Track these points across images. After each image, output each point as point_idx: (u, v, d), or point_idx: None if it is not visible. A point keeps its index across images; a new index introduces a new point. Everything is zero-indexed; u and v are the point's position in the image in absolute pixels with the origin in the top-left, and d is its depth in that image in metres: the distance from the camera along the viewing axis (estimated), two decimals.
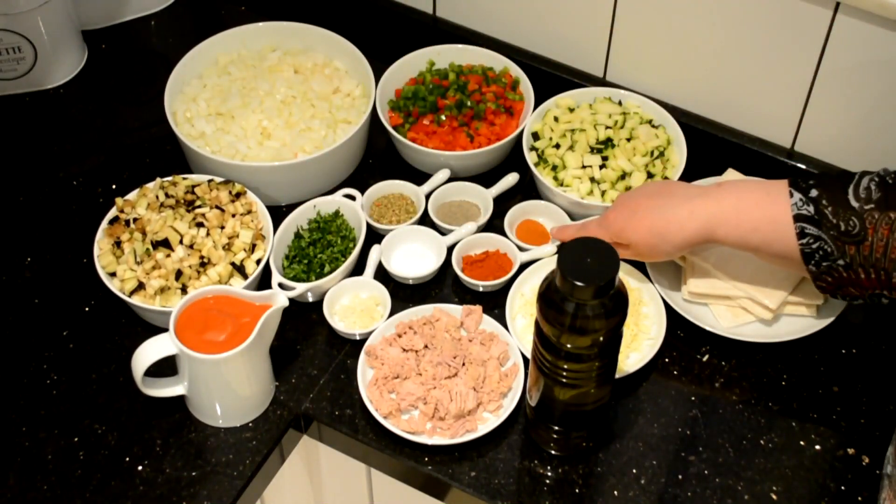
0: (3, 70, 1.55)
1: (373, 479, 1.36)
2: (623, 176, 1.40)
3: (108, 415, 1.23)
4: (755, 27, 1.35)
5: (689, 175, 1.39)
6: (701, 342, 1.30)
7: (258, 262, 1.31)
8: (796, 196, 1.12)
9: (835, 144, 1.40)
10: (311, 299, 1.33)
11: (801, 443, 1.22)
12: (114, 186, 1.45)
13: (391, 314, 1.30)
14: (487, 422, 1.22)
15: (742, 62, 1.39)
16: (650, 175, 1.40)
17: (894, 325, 1.32)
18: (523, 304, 1.32)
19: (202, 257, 1.29)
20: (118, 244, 1.30)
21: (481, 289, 1.34)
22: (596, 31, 1.47)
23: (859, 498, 1.18)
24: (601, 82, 1.52)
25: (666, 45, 1.44)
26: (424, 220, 1.41)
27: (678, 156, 1.42)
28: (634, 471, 1.20)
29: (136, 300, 1.26)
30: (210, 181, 1.37)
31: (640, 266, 1.33)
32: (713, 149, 1.45)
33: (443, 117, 1.46)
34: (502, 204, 1.41)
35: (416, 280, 1.35)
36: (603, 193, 1.39)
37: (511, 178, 1.44)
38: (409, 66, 1.53)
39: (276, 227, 1.35)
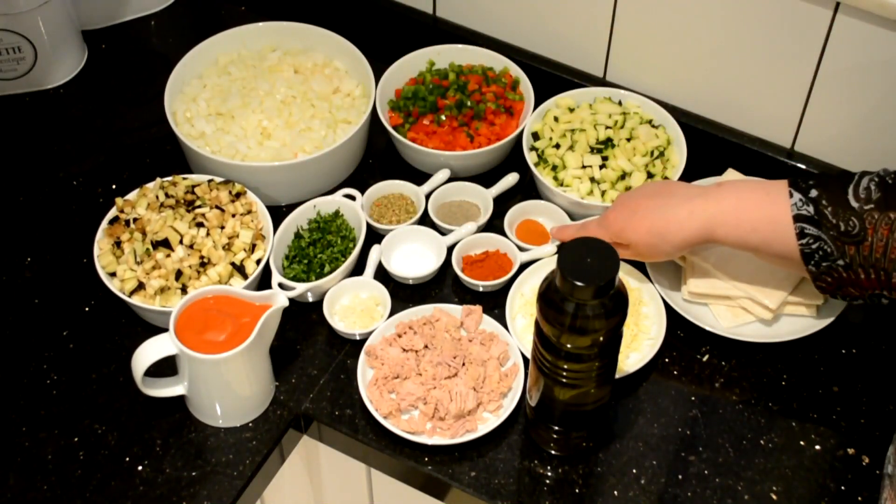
0: (3, 70, 1.55)
1: (373, 479, 1.36)
2: (623, 176, 1.40)
3: (108, 415, 1.23)
4: (755, 27, 1.35)
5: (689, 175, 1.39)
6: (701, 342, 1.30)
7: (258, 262, 1.31)
8: (796, 196, 1.12)
9: (835, 144, 1.40)
10: (311, 299, 1.33)
11: (801, 443, 1.22)
12: (114, 186, 1.45)
13: (391, 314, 1.30)
14: (487, 422, 1.22)
15: (742, 62, 1.39)
16: (650, 175, 1.40)
17: (894, 325, 1.32)
18: (523, 304, 1.32)
19: (202, 257, 1.29)
20: (118, 244, 1.30)
21: (481, 289, 1.34)
22: (596, 31, 1.47)
23: (859, 498, 1.18)
24: (601, 82, 1.52)
25: (666, 45, 1.44)
26: (424, 220, 1.41)
27: (678, 156, 1.42)
28: (634, 471, 1.20)
29: (136, 300, 1.26)
30: (210, 181, 1.37)
31: (640, 266, 1.33)
32: (713, 149, 1.45)
33: (443, 117, 1.46)
34: (502, 204, 1.41)
35: (416, 280, 1.35)
36: (603, 193, 1.39)
37: (511, 178, 1.44)
38: (409, 66, 1.53)
39: (276, 227, 1.35)
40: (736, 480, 1.19)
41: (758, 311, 1.28)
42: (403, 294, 1.35)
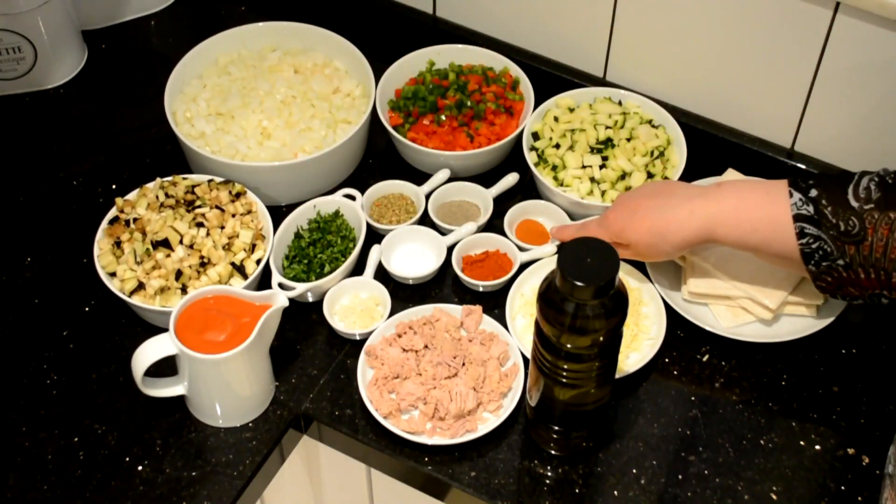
0: (3, 70, 1.55)
1: (373, 479, 1.36)
2: (623, 176, 1.40)
3: (108, 415, 1.23)
4: (755, 27, 1.35)
5: (689, 175, 1.39)
6: (701, 342, 1.30)
7: (258, 262, 1.31)
8: (796, 196, 1.12)
9: (835, 144, 1.40)
10: (311, 299, 1.33)
11: (801, 443, 1.22)
12: (114, 186, 1.45)
13: (391, 314, 1.30)
14: (487, 422, 1.21)
15: (742, 62, 1.39)
16: (650, 175, 1.40)
17: (894, 325, 1.32)
18: (523, 304, 1.32)
19: (202, 257, 1.29)
20: (118, 244, 1.30)
21: (481, 289, 1.34)
22: (596, 31, 1.47)
23: (859, 498, 1.18)
24: (601, 82, 1.52)
25: (666, 45, 1.44)
26: (424, 220, 1.41)
27: (678, 156, 1.42)
28: (634, 471, 1.20)
29: (136, 300, 1.26)
30: (210, 181, 1.37)
31: (640, 266, 1.33)
32: (713, 149, 1.45)
33: (443, 117, 1.46)
34: (502, 204, 1.41)
35: (416, 280, 1.35)
36: (603, 193, 1.39)
37: (511, 178, 1.44)
38: (409, 66, 1.53)
39: (276, 227, 1.35)
40: (736, 480, 1.19)
41: (758, 311, 1.28)
42: (403, 294, 1.35)
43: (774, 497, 1.18)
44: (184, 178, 1.37)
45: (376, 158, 1.50)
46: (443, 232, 1.38)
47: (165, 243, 1.29)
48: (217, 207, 1.33)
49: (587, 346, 1.07)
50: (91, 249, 1.32)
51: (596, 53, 1.50)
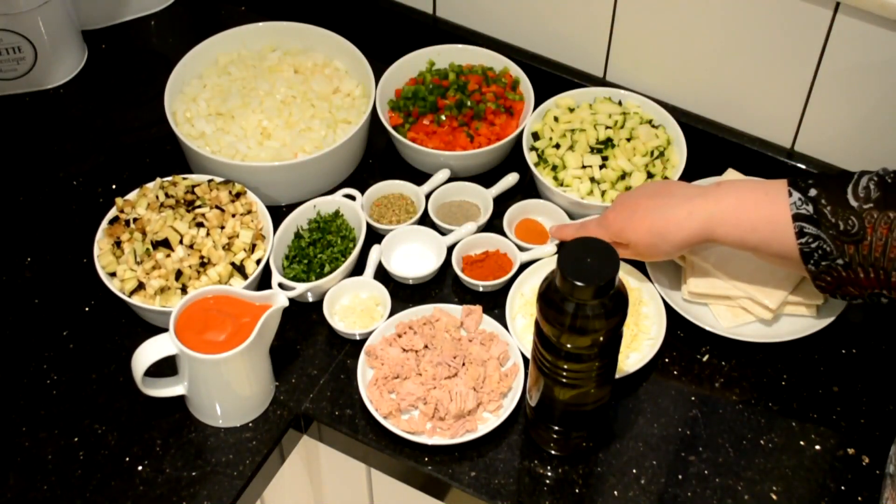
0: (3, 70, 1.55)
1: (373, 479, 1.36)
2: (623, 176, 1.40)
3: (108, 415, 1.23)
4: (755, 27, 1.35)
5: (689, 175, 1.39)
6: (701, 342, 1.30)
7: (258, 262, 1.31)
8: (795, 195, 1.12)
9: (835, 144, 1.40)
10: (311, 299, 1.33)
11: (801, 443, 1.22)
12: (114, 186, 1.45)
13: (391, 314, 1.30)
14: (487, 422, 1.21)
15: (742, 62, 1.39)
16: (650, 175, 1.40)
17: (894, 325, 1.32)
18: (523, 304, 1.32)
19: (202, 257, 1.29)
20: (118, 244, 1.30)
21: (481, 289, 1.34)
22: (596, 31, 1.47)
23: (859, 498, 1.18)
24: (601, 82, 1.52)
25: (666, 45, 1.44)
26: (424, 220, 1.41)
27: (678, 156, 1.42)
28: (634, 471, 1.20)
29: (136, 300, 1.26)
30: (210, 181, 1.37)
31: (640, 266, 1.33)
32: (713, 149, 1.45)
33: (443, 117, 1.46)
34: (502, 204, 1.41)
35: (416, 280, 1.35)
36: (603, 193, 1.39)
37: (511, 178, 1.44)
38: (409, 66, 1.53)
39: (276, 227, 1.35)
40: (736, 480, 1.19)
41: (758, 311, 1.28)
42: (403, 294, 1.35)
43: (774, 497, 1.18)
44: (184, 178, 1.37)
45: (376, 158, 1.50)
46: (443, 232, 1.38)
47: (165, 243, 1.29)
48: (217, 207, 1.33)
49: (587, 346, 1.07)
50: (91, 249, 1.32)
51: (596, 53, 1.50)
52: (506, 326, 1.28)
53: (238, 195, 1.36)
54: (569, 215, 1.39)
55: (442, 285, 1.36)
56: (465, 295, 1.35)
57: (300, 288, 1.30)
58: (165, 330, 1.17)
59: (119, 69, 1.62)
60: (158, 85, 1.47)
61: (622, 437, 1.22)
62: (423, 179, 1.43)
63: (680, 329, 1.31)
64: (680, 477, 1.19)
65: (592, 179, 1.40)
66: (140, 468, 1.19)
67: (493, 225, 1.40)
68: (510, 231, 1.38)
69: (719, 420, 1.24)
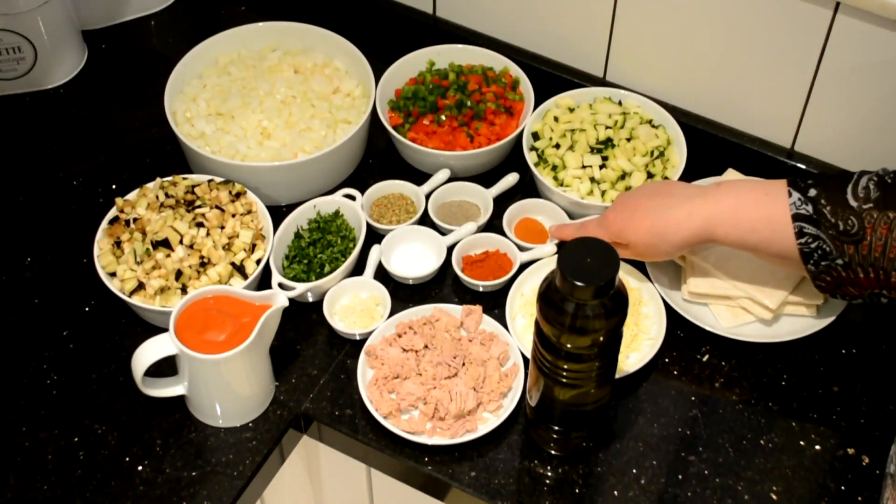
0: (3, 70, 1.55)
1: (373, 479, 1.36)
2: (623, 176, 1.40)
3: (108, 415, 1.23)
4: (755, 27, 1.35)
5: (689, 175, 1.39)
6: (701, 342, 1.30)
7: (258, 262, 1.31)
8: (795, 195, 1.12)
9: (835, 144, 1.40)
10: (311, 299, 1.33)
11: (801, 443, 1.22)
12: (114, 186, 1.45)
13: (391, 314, 1.30)
14: (487, 422, 1.21)
15: (742, 62, 1.39)
16: (650, 175, 1.40)
17: (894, 325, 1.32)
18: (523, 304, 1.32)
19: (202, 257, 1.29)
20: (118, 244, 1.30)
21: (481, 289, 1.34)
22: (596, 31, 1.47)
23: (859, 498, 1.18)
24: (601, 82, 1.52)
25: (666, 45, 1.44)
26: (424, 220, 1.41)
27: (678, 156, 1.42)
28: (634, 471, 1.20)
29: (136, 300, 1.26)
30: (210, 181, 1.37)
31: (640, 266, 1.33)
32: (713, 149, 1.45)
33: (443, 117, 1.46)
34: (502, 204, 1.41)
35: (416, 280, 1.35)
36: (603, 193, 1.39)
37: (511, 178, 1.44)
38: (409, 66, 1.53)
39: (276, 227, 1.35)
40: (736, 480, 1.19)
41: (758, 311, 1.28)
42: (403, 294, 1.35)
43: (774, 497, 1.18)
44: (184, 178, 1.37)
45: (376, 158, 1.50)
46: (443, 232, 1.38)
47: (165, 243, 1.29)
48: (217, 207, 1.33)
49: (587, 346, 1.07)
50: (91, 249, 1.32)
51: (596, 53, 1.50)
52: (506, 326, 1.28)
53: (238, 195, 1.36)
54: (569, 215, 1.39)
55: (442, 285, 1.36)
56: (465, 295, 1.35)
57: (300, 288, 1.30)
58: (165, 330, 1.17)
59: (119, 69, 1.62)
60: (158, 85, 1.47)
61: (622, 437, 1.22)
62: (423, 179, 1.43)
63: (680, 329, 1.31)
64: (680, 477, 1.19)
65: (592, 179, 1.40)
66: (140, 468, 1.19)
67: (493, 225, 1.40)
68: (510, 230, 1.38)
69: (719, 420, 1.24)
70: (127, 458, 1.20)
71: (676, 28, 1.41)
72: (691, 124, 1.45)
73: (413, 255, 1.37)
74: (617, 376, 1.18)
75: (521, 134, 1.45)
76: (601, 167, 1.40)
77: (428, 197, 1.42)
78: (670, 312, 1.30)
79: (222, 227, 1.32)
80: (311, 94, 1.48)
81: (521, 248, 1.36)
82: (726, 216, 1.16)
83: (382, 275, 1.35)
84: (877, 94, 1.33)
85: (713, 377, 1.28)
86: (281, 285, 1.30)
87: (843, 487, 1.19)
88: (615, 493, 1.18)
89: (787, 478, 1.19)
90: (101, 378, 1.27)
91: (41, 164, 1.49)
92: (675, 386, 1.27)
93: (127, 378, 1.23)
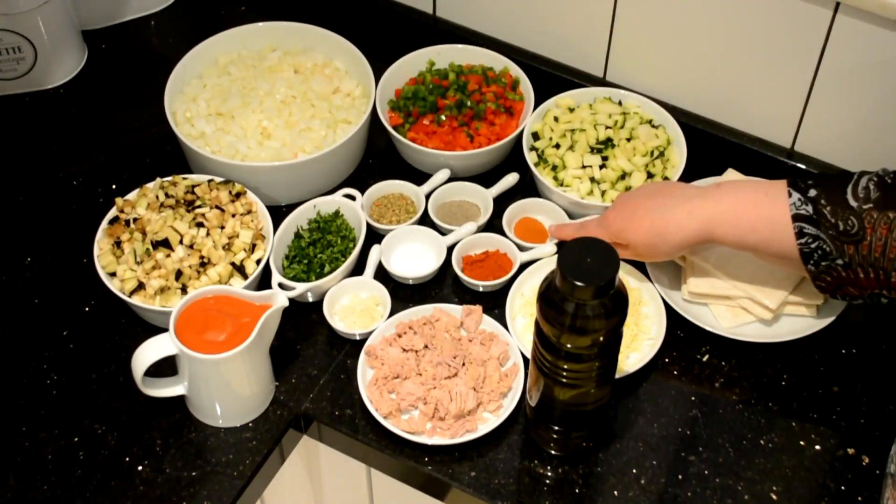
0: (3, 70, 1.55)
1: (373, 479, 1.36)
2: (623, 176, 1.40)
3: (108, 415, 1.23)
4: (755, 27, 1.35)
5: (689, 175, 1.39)
6: (701, 342, 1.30)
7: (258, 262, 1.31)
8: (795, 196, 1.12)
9: (835, 145, 1.40)
10: (311, 299, 1.33)
11: (801, 443, 1.22)
12: (114, 186, 1.46)
13: (391, 314, 1.30)
14: (487, 422, 1.22)
15: (742, 62, 1.39)
16: (650, 175, 1.40)
17: (894, 325, 1.32)
18: (523, 304, 1.32)
19: (202, 257, 1.29)
20: (118, 244, 1.30)
21: (481, 289, 1.34)
22: (596, 31, 1.47)
23: (859, 498, 1.18)
24: (601, 82, 1.52)
25: (666, 45, 1.44)
26: (424, 220, 1.41)
27: (678, 156, 1.42)
28: (634, 471, 1.20)
29: (136, 300, 1.26)
30: (210, 181, 1.37)
31: (640, 266, 1.33)
32: (713, 149, 1.45)
33: (443, 117, 1.46)
34: (502, 204, 1.41)
35: (416, 280, 1.35)
36: (603, 193, 1.39)
37: (511, 178, 1.45)
38: (409, 66, 1.53)
39: (276, 227, 1.35)
40: (736, 480, 1.19)
41: (758, 311, 1.28)
42: (403, 294, 1.35)
43: (774, 497, 1.18)
44: (184, 178, 1.37)
45: (376, 158, 1.50)
46: (443, 232, 1.38)
47: (165, 243, 1.29)
48: (217, 207, 1.33)
49: (587, 346, 1.07)
50: (91, 249, 1.32)
51: (596, 53, 1.50)
52: (506, 326, 1.28)
53: (238, 195, 1.36)
54: (569, 215, 1.39)
55: (442, 285, 1.36)
56: (465, 295, 1.35)
57: (300, 288, 1.30)
58: (165, 330, 1.17)
59: (119, 69, 1.62)
60: (158, 85, 1.47)
61: (622, 437, 1.22)
62: (423, 179, 1.43)
63: (680, 329, 1.31)
64: (680, 477, 1.19)
65: (592, 179, 1.40)
66: (140, 468, 1.19)
67: (493, 225, 1.40)
68: (509, 230, 1.38)
69: (719, 420, 1.24)
70: (127, 458, 1.20)
71: (676, 28, 1.41)
72: (691, 124, 1.45)
73: (413, 255, 1.37)
74: (617, 376, 1.18)
75: (521, 134, 1.45)
76: (601, 167, 1.40)
77: (428, 197, 1.42)
78: (670, 312, 1.30)
79: (222, 227, 1.32)
80: (311, 94, 1.48)
81: (521, 248, 1.36)
82: (726, 216, 1.16)
83: (382, 275, 1.35)
84: (877, 94, 1.33)
85: (713, 377, 1.28)
86: (281, 285, 1.30)
87: (843, 487, 1.19)
88: (615, 493, 1.18)
89: (787, 478, 1.19)
90: (101, 378, 1.27)
91: (41, 164, 1.49)
92: (675, 386, 1.27)
93: (127, 378, 1.23)
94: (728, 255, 1.29)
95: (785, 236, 1.13)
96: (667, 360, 1.29)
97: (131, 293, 1.27)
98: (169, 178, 1.37)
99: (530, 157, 1.42)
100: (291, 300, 1.28)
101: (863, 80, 1.32)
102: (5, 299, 1.34)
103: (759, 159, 1.44)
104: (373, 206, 1.42)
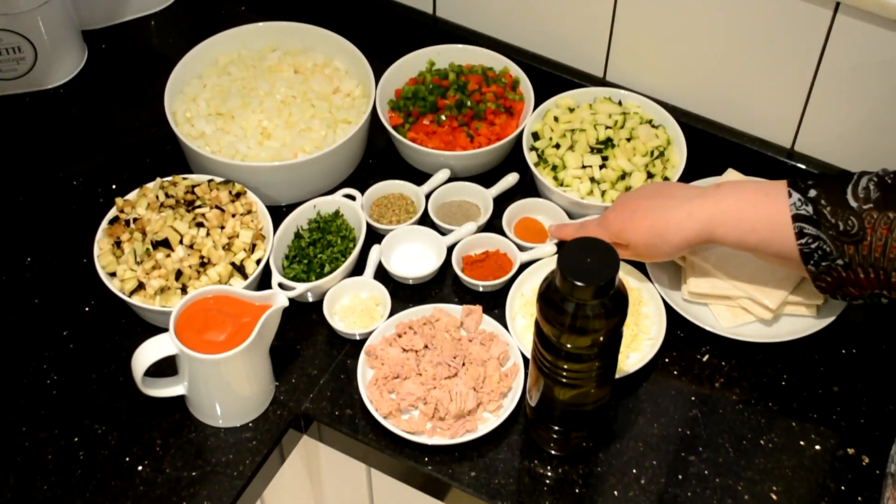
0: (3, 70, 1.55)
1: (373, 479, 1.36)
2: (623, 176, 1.40)
3: (108, 415, 1.23)
4: (755, 27, 1.35)
5: (689, 175, 1.39)
6: (701, 342, 1.30)
7: (258, 262, 1.31)
8: (795, 196, 1.12)
9: (835, 145, 1.40)
10: (311, 299, 1.33)
11: (801, 443, 1.22)
12: (114, 186, 1.46)
13: (391, 314, 1.30)
14: (487, 422, 1.22)
15: (742, 62, 1.39)
16: (650, 175, 1.40)
17: (894, 325, 1.32)
18: (523, 304, 1.32)
19: (202, 257, 1.29)
20: (118, 244, 1.30)
21: (481, 289, 1.34)
22: (596, 31, 1.47)
23: (859, 498, 1.18)
24: (601, 82, 1.52)
25: (666, 45, 1.44)
26: (424, 220, 1.41)
27: (678, 156, 1.42)
28: (634, 471, 1.20)
29: (136, 300, 1.26)
30: (210, 181, 1.37)
31: (640, 266, 1.33)
32: (713, 149, 1.45)
33: (443, 117, 1.46)
34: (502, 204, 1.41)
35: (416, 280, 1.35)
36: (603, 193, 1.39)
37: (511, 178, 1.45)
38: (409, 66, 1.53)
39: (276, 227, 1.35)
40: (736, 480, 1.19)
41: (758, 311, 1.28)
42: (403, 294, 1.35)
43: (774, 497, 1.18)
44: (184, 178, 1.37)
45: (376, 158, 1.50)
46: (443, 232, 1.38)
47: (165, 243, 1.29)
48: (217, 207, 1.33)
49: (587, 346, 1.07)
50: (91, 249, 1.32)
51: (596, 53, 1.50)
52: (506, 326, 1.28)
53: (238, 195, 1.36)
54: (569, 215, 1.39)
55: (442, 285, 1.36)
56: (465, 295, 1.35)
57: (300, 288, 1.30)
58: (165, 330, 1.17)
59: (119, 69, 1.62)
60: (158, 85, 1.47)
61: (622, 437, 1.22)
62: (423, 179, 1.43)
63: (680, 329, 1.31)
64: (680, 477, 1.19)
65: (592, 179, 1.40)
66: (140, 468, 1.19)
67: (493, 225, 1.40)
68: (509, 229, 1.38)
69: (719, 420, 1.24)
70: (127, 458, 1.20)
71: (676, 28, 1.41)
72: (691, 124, 1.45)
73: (413, 255, 1.37)
74: (617, 376, 1.18)
75: (521, 134, 1.45)
76: (601, 167, 1.40)
77: (428, 197, 1.42)
78: (670, 312, 1.30)
79: (222, 227, 1.32)
80: (311, 94, 1.48)
81: (521, 248, 1.36)
82: (726, 217, 1.16)
83: (382, 275, 1.35)
84: (877, 94, 1.33)
85: (713, 377, 1.28)
86: (281, 285, 1.30)
87: (843, 487, 1.19)
88: (615, 493, 1.18)
89: (787, 478, 1.19)
90: (101, 378, 1.27)
91: (41, 164, 1.49)
92: (675, 386, 1.27)
93: (127, 378, 1.23)
94: (728, 255, 1.29)
95: (785, 236, 1.13)
96: (667, 360, 1.29)
97: (131, 293, 1.27)
98: (169, 178, 1.37)
99: (530, 157, 1.42)
100: (291, 300, 1.28)
101: (863, 80, 1.32)
102: (5, 299, 1.34)
103: (759, 159, 1.44)
104: (373, 206, 1.42)
